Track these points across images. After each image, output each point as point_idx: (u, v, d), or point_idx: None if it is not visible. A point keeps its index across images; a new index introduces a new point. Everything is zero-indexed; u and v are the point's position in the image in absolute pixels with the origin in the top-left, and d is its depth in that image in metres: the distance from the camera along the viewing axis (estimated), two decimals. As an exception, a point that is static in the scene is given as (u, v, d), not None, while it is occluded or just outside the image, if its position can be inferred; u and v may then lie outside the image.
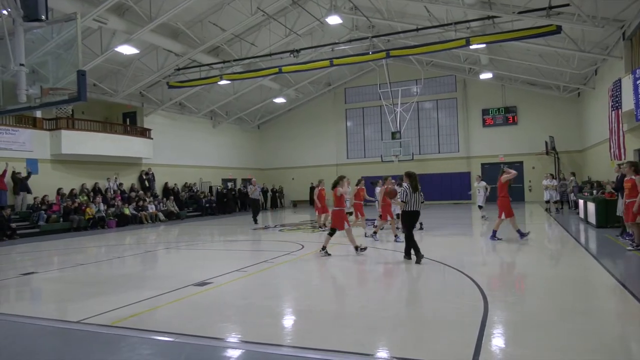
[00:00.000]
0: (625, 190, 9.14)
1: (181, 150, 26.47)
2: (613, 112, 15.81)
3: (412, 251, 8.51)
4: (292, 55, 19.50)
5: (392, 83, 28.03)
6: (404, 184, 8.70)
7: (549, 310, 5.37)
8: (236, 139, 32.04)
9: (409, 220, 8.63)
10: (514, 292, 6.53)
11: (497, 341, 4.36)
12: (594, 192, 14.51)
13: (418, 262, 8.23)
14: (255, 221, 18.60)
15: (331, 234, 9.66)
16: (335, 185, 9.63)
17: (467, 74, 28.41)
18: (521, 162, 27.51)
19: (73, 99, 5.22)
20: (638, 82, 13.20)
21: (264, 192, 29.35)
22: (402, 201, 8.59)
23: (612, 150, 16.12)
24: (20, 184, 17.38)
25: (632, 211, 8.74)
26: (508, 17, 16.23)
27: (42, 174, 18.64)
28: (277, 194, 32.20)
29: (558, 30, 15.00)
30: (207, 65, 21.40)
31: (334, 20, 19.54)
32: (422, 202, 9.23)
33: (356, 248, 9.67)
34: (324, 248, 9.64)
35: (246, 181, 31.63)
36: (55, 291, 7.57)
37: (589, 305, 5.67)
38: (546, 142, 25.86)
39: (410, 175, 8.67)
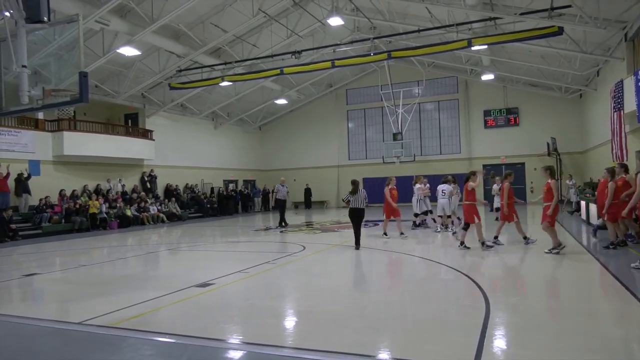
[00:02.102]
0: (542, 194, 9.42)
1: (183, 151, 26.50)
2: (615, 113, 15.78)
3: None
4: (293, 56, 19.51)
5: (394, 84, 28.03)
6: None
7: (551, 311, 5.37)
8: (237, 140, 32.06)
9: (351, 216, 10.95)
10: (516, 293, 6.52)
11: (498, 342, 4.35)
12: (596, 193, 14.48)
13: (357, 248, 10.54)
14: (283, 223, 17.61)
15: (466, 228, 9.97)
16: (467, 179, 10.15)
17: (468, 75, 28.40)
18: (523, 164, 27.49)
19: (75, 101, 5.23)
20: (640, 83, 13.17)
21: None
22: (345, 201, 11.20)
23: (614, 152, 16.08)
24: (22, 186, 17.41)
25: (547, 214, 9.03)
26: (510, 18, 16.22)
27: (44, 175, 18.67)
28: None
29: (560, 31, 14.98)
30: (209, 66, 21.43)
31: (335, 21, 19.56)
32: (366, 202, 11.14)
33: (482, 244, 9.86)
34: (462, 243, 9.90)
35: (247, 182, 31.69)
36: (57, 292, 7.58)
37: (590, 305, 5.66)
38: (548, 144, 25.82)
39: (352, 182, 11.11)
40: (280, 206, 18.06)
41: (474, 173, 10.34)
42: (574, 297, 6.28)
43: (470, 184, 10.03)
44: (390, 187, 12.84)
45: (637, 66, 14.85)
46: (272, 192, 17.94)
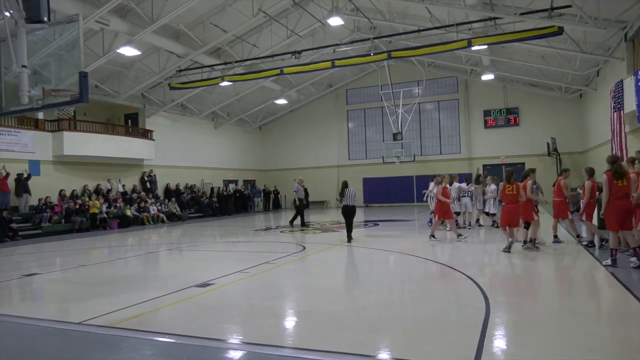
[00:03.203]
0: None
1: (183, 151, 26.49)
2: (615, 113, 15.78)
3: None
4: (293, 56, 19.51)
5: (394, 84, 28.03)
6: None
7: (550, 310, 5.37)
8: (237, 140, 32.06)
9: (343, 213, 12.33)
10: (516, 293, 6.53)
11: (498, 342, 4.35)
12: (597, 193, 14.43)
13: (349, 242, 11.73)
14: (304, 223, 16.96)
15: (527, 227, 9.88)
16: (525, 177, 9.98)
17: (468, 75, 28.41)
18: (523, 163, 27.41)
19: (75, 100, 5.23)
20: (640, 83, 13.17)
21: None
22: (338, 200, 12.56)
23: (614, 152, 16.08)
24: (22, 186, 17.42)
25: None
26: (510, 18, 16.22)
27: (44, 175, 18.67)
28: (278, 195, 32.17)
29: (560, 31, 14.98)
30: (209, 66, 21.43)
31: (335, 21, 19.56)
32: (355, 200, 12.31)
33: (532, 241, 9.78)
34: (531, 241, 9.73)
35: (247, 182, 31.68)
36: (57, 292, 7.58)
37: (589, 305, 5.67)
38: (548, 144, 25.82)
39: (343, 183, 12.49)
40: (300, 205, 17.20)
41: (533, 171, 10.21)
42: (573, 296, 6.28)
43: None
44: (442, 185, 11.81)
45: (637, 66, 14.86)
46: (294, 192, 17.22)
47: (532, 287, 6.91)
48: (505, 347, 4.24)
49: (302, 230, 15.91)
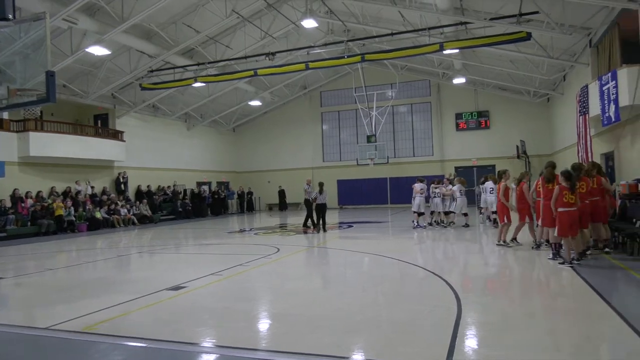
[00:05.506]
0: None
1: (155, 152, 26.06)
2: (581, 117, 16.28)
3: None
4: (267, 58, 19.44)
5: (368, 87, 28.24)
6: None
7: (522, 310, 5.50)
8: (211, 141, 31.75)
9: (319, 209, 15.14)
10: (487, 293, 6.66)
11: (470, 342, 4.43)
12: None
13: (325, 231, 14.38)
14: (316, 226, 15.64)
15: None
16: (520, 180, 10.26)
17: (441, 78, 28.87)
18: (493, 165, 28.04)
19: (42, 100, 5.09)
20: (604, 88, 13.63)
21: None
22: (313, 199, 15.27)
23: (580, 154, 16.59)
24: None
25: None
26: (480, 23, 16.57)
27: (9, 177, 18.07)
28: (252, 197, 31.99)
29: (528, 37, 15.40)
30: (181, 67, 21.17)
31: (309, 23, 19.60)
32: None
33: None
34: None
35: (221, 184, 31.39)
36: (23, 297, 7.35)
37: (559, 304, 5.83)
38: (517, 146, 26.44)
39: (319, 184, 15.31)
40: (312, 208, 15.82)
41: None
42: (544, 295, 6.45)
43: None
44: (505, 182, 10.61)
45: (601, 71, 15.36)
46: (305, 192, 16.17)
47: (502, 287, 7.06)
48: (476, 347, 4.32)
49: (310, 231, 15.46)
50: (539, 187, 9.20)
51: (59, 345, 4.68)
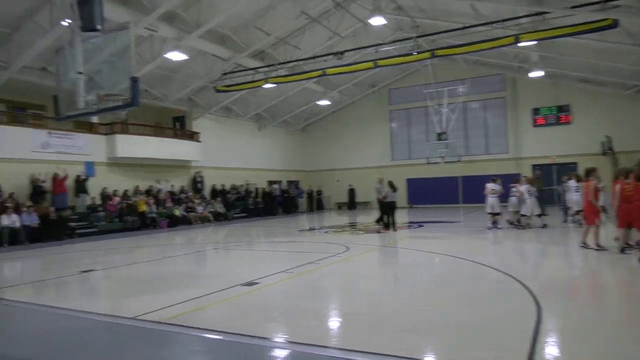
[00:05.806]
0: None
1: (228, 152, 27.05)
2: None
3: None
4: (335, 57, 19.52)
5: (438, 83, 27.53)
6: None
7: (607, 317, 5.13)
8: (281, 141, 32.42)
9: (389, 207, 15.02)
10: (569, 297, 6.27)
11: (551, 349, 4.19)
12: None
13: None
14: (389, 225, 15.21)
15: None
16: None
17: (516, 72, 27.52)
18: (575, 163, 26.31)
19: (127, 105, 5.46)
20: None
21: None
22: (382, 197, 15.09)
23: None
24: (79, 186, 18.31)
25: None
26: (559, 12, 15.57)
27: (99, 176, 19.51)
28: (321, 196, 32.30)
29: (614, 24, 14.26)
30: (253, 69, 21.77)
31: (377, 21, 19.38)
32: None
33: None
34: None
35: (290, 183, 31.95)
36: (111, 288, 7.92)
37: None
38: (602, 142, 24.65)
39: (390, 183, 15.07)
40: (389, 207, 15.31)
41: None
42: (633, 301, 5.97)
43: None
44: (594, 180, 9.64)
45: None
46: (378, 191, 15.59)
47: (584, 291, 6.62)
48: (558, 355, 4.08)
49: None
50: (627, 188, 8.42)
51: (142, 334, 4.99)
